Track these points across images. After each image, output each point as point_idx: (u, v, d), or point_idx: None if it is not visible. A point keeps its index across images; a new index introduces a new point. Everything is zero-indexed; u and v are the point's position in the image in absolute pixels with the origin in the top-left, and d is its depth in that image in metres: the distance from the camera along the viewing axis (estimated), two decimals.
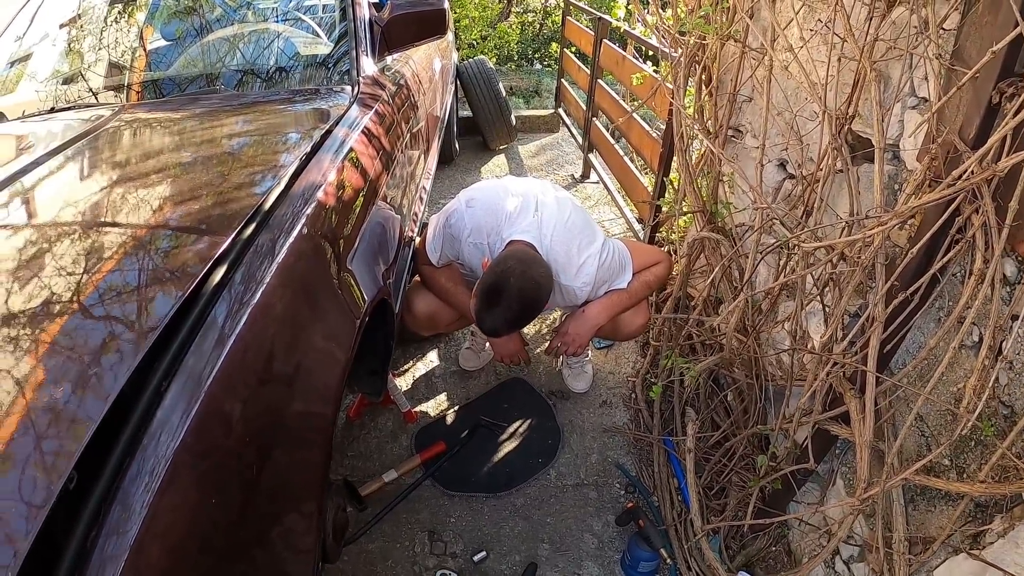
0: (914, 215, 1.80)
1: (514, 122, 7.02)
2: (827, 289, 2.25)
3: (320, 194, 1.90)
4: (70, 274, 1.53)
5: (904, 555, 1.96)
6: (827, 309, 2.25)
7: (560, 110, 7.78)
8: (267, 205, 1.73)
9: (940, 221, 1.62)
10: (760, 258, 2.61)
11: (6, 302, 1.44)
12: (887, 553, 2.01)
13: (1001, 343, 1.62)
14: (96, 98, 3.00)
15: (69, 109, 2.92)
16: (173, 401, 1.21)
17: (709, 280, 3.18)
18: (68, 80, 3.15)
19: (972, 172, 1.49)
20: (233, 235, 1.57)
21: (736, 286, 2.94)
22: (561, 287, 2.75)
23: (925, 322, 1.91)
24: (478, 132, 7.06)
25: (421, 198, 3.14)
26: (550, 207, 2.78)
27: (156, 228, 1.72)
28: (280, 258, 1.62)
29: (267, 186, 1.82)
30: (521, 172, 6.40)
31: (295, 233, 1.72)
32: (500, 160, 6.74)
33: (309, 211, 1.82)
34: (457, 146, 7.01)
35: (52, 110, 2.94)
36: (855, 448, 1.96)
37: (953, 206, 1.61)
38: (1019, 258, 1.58)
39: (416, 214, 2.81)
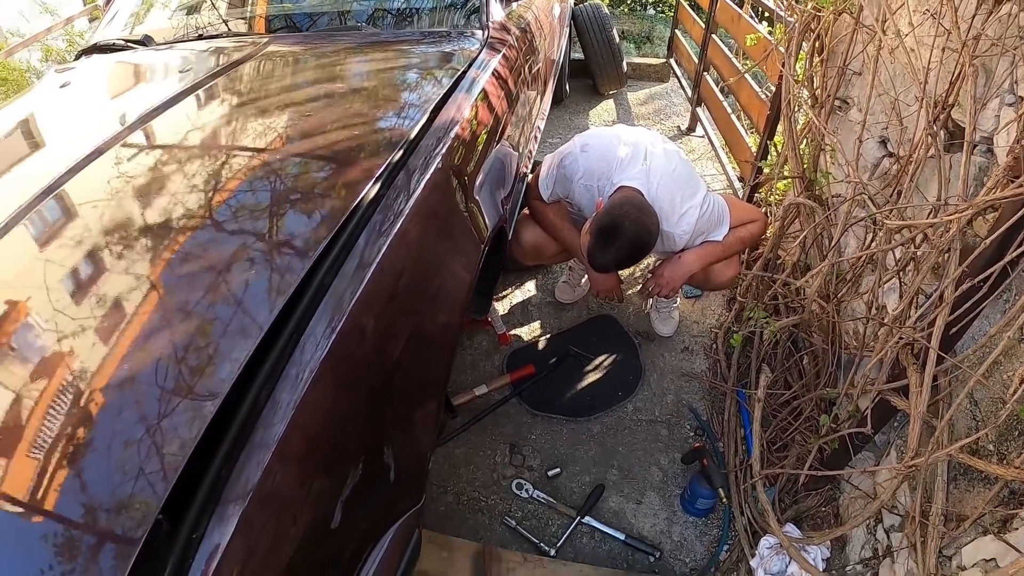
0: (993, 208, 1.83)
1: (625, 68, 6.99)
2: (907, 268, 2.29)
3: (456, 129, 2.07)
4: (242, 191, 1.76)
5: (938, 527, 2.02)
6: (904, 286, 2.29)
7: (671, 60, 7.66)
8: (412, 136, 1.91)
9: (1015, 218, 1.65)
10: (846, 229, 2.64)
11: (179, 217, 1.64)
12: (923, 524, 2.07)
13: None
14: (230, 28, 3.18)
15: (216, 38, 3.08)
16: (319, 316, 1.41)
17: (799, 240, 3.23)
18: (199, 9, 3.31)
19: None
20: (387, 161, 1.78)
21: (824, 254, 2.97)
22: (662, 233, 2.84)
23: (993, 312, 1.94)
24: (589, 75, 7.04)
25: (536, 137, 3.25)
26: (658, 157, 2.87)
27: (321, 152, 1.93)
28: (422, 185, 1.80)
29: (413, 119, 2.01)
30: (628, 119, 6.38)
31: (435, 163, 1.89)
32: (608, 105, 6.71)
33: (447, 144, 1.98)
34: (568, 88, 7.01)
35: (199, 38, 3.11)
36: (910, 421, 2.02)
37: None
38: None
39: (531, 152, 2.93)
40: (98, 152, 1.93)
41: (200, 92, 2.30)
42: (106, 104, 2.50)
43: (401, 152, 1.84)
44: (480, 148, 2.27)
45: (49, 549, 1.09)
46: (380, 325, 1.56)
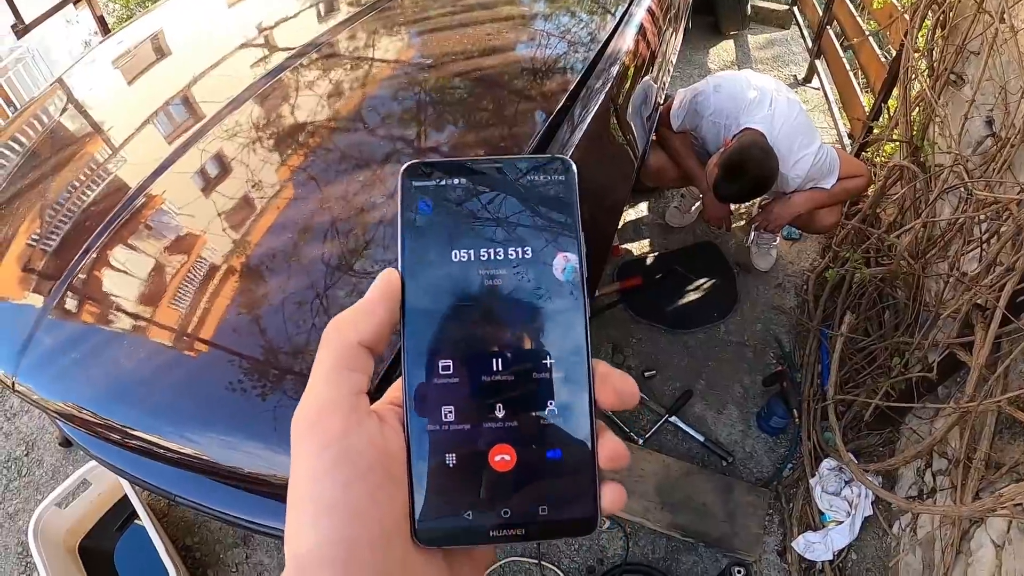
0: None
1: (749, 11, 6.79)
2: (990, 240, 2.47)
3: (622, 57, 2.33)
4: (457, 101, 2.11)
5: (980, 470, 2.27)
6: (984, 254, 2.47)
7: (795, 8, 7.20)
8: (591, 57, 2.24)
9: None
10: (940, 194, 2.80)
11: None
12: (967, 466, 2.32)
13: None
14: None
15: None
16: None
17: (897, 200, 3.39)
18: None
19: None
20: (576, 79, 2.12)
21: (918, 215, 3.08)
22: (778, 174, 3.09)
23: None
24: (712, 13, 6.74)
25: (669, 69, 3.41)
26: (782, 104, 3.10)
27: (532, 63, 2.31)
28: (599, 101, 2.10)
29: (595, 44, 2.33)
30: (747, 62, 6.32)
31: (609, 83, 2.18)
32: (728, 46, 6.64)
33: (615, 69, 2.25)
34: (690, 24, 6.79)
35: None
36: (971, 372, 2.25)
37: None
38: None
39: (664, 83, 3.10)
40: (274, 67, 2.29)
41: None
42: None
43: (583, 71, 2.18)
44: (635, 76, 2.52)
45: None
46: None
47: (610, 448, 0.48)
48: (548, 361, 0.47)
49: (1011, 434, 2.30)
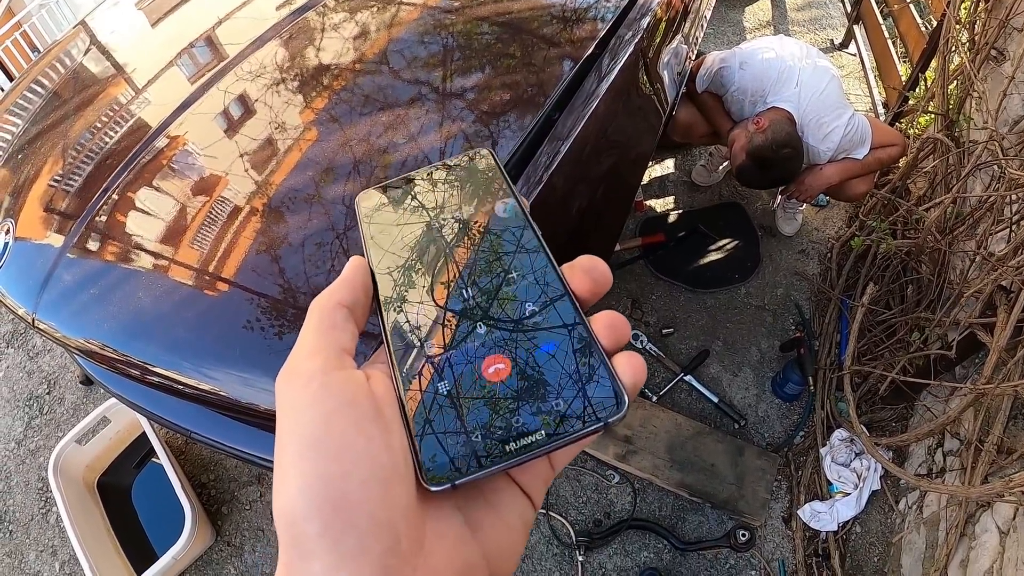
0: None
1: None
2: (1021, 221, 2.42)
3: (654, 8, 2.28)
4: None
5: (991, 454, 2.25)
6: (1012, 234, 2.42)
7: None
8: (622, 6, 2.19)
9: None
10: (972, 170, 2.72)
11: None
12: (978, 448, 2.31)
13: None
14: None
15: None
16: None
17: (928, 173, 3.31)
18: None
19: None
20: (606, 28, 2.09)
21: (949, 190, 3.01)
22: (808, 147, 3.07)
23: None
24: None
25: (702, 25, 3.36)
26: (809, 76, 3.05)
27: (548, 15, 2.24)
28: (628, 52, 2.08)
29: None
30: (783, 24, 6.10)
31: (640, 35, 2.15)
32: (765, 5, 6.39)
33: (645, 22, 2.20)
34: None
35: None
36: (990, 354, 2.22)
37: None
38: None
39: (697, 39, 3.06)
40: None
41: None
42: None
43: (612, 22, 2.14)
44: (665, 30, 2.48)
45: None
46: (579, 177, 1.91)
47: (604, 317, 0.46)
48: (512, 273, 0.49)
49: None
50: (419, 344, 0.47)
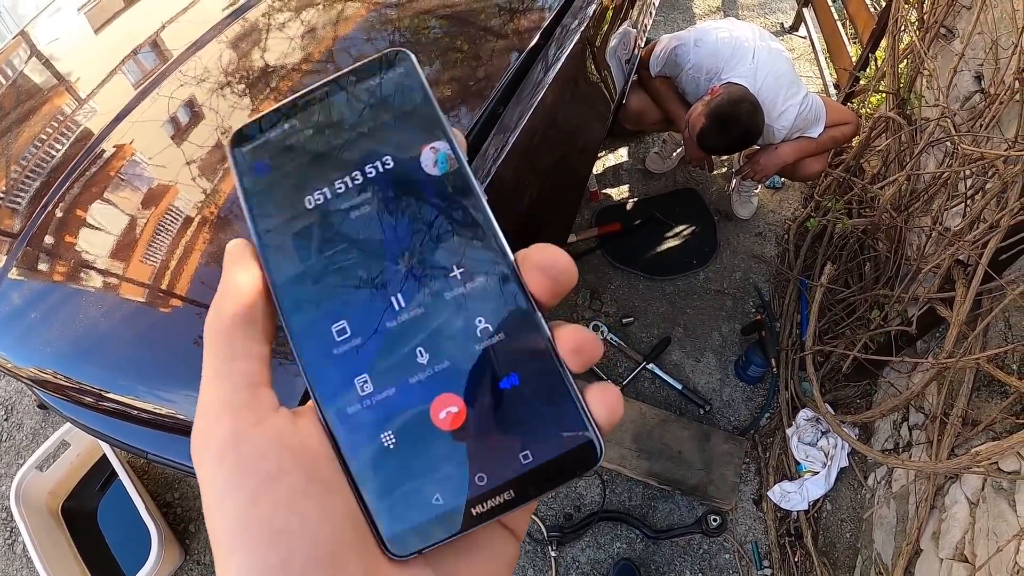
0: None
1: None
2: (975, 196, 2.41)
3: None
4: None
5: (956, 427, 2.24)
6: (967, 209, 2.41)
7: None
8: None
9: None
10: (925, 147, 2.72)
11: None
12: (943, 422, 2.30)
13: None
14: None
15: None
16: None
17: (882, 148, 3.33)
18: None
19: None
20: (550, 18, 2.03)
21: (903, 168, 3.01)
22: (764, 128, 3.03)
23: None
24: None
25: (651, 13, 3.33)
26: (764, 55, 3.02)
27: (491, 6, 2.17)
28: (574, 40, 2.04)
29: None
30: (733, 8, 6.10)
31: (585, 23, 2.10)
32: None
33: (591, 10, 2.16)
34: None
35: None
36: (950, 328, 2.21)
37: None
38: None
39: (645, 26, 3.04)
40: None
41: None
42: None
43: (556, 11, 2.08)
44: (611, 17, 2.44)
45: None
46: (528, 168, 1.89)
47: (570, 338, 0.38)
48: (456, 272, 0.39)
49: (988, 392, 2.29)
50: (346, 375, 0.38)
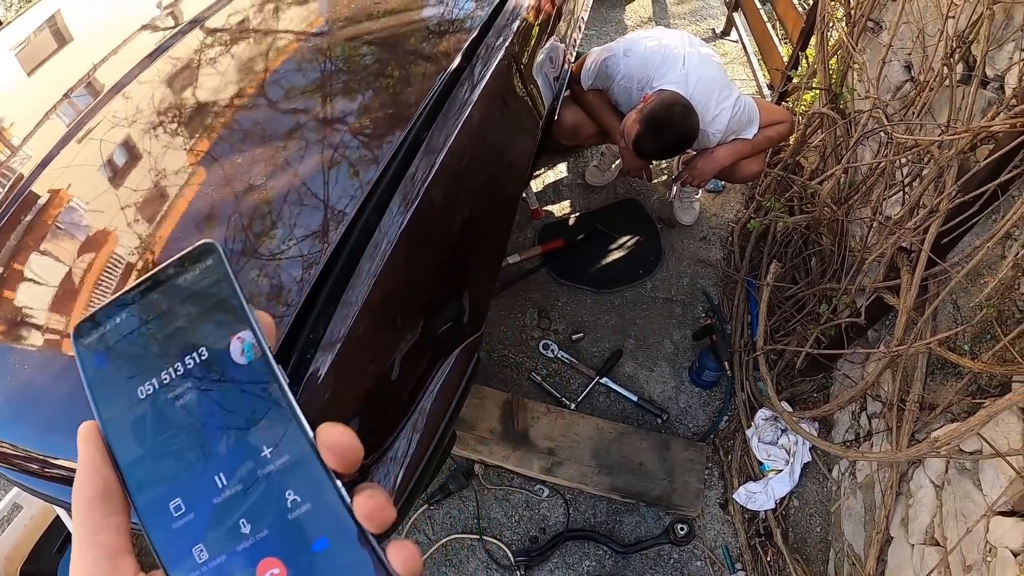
0: (992, 137, 1.98)
1: None
2: (912, 183, 2.42)
3: (522, 13, 2.22)
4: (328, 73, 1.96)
5: (914, 412, 2.24)
6: (906, 197, 2.42)
7: None
8: (487, 16, 2.12)
9: (1008, 148, 1.80)
10: (859, 139, 2.75)
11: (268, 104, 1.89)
12: (900, 409, 2.29)
13: None
14: None
15: None
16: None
17: (818, 147, 3.34)
18: None
19: None
20: (469, 39, 2.00)
21: (840, 162, 3.03)
22: (699, 131, 3.01)
23: (983, 230, 2.07)
24: None
25: (580, 27, 3.33)
26: (694, 61, 3.02)
27: (411, 30, 2.16)
28: (498, 58, 2.01)
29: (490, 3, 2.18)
30: (664, 17, 6.17)
31: (506, 43, 2.07)
32: (645, 1, 6.45)
33: (515, 26, 2.14)
34: None
35: None
36: (899, 315, 2.20)
37: (1022, 138, 1.77)
38: None
39: (575, 40, 3.04)
40: (174, 38, 2.11)
41: None
42: None
43: (479, 31, 2.06)
44: (539, 34, 2.43)
45: None
46: (457, 191, 1.84)
47: (365, 506, 0.43)
48: (266, 451, 0.45)
49: (943, 375, 2.27)
50: (184, 548, 0.43)
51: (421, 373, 1.77)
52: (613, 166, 4.12)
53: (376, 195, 1.60)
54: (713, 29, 6.01)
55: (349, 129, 1.81)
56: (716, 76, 3.05)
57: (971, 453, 1.97)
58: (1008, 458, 1.76)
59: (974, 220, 2.01)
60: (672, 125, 2.84)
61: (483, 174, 1.98)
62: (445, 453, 2.23)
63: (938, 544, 2.10)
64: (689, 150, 3.24)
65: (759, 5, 4.92)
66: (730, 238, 3.87)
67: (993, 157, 1.86)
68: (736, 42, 5.63)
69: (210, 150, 1.78)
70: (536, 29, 2.38)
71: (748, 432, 2.99)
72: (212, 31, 2.15)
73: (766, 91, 4.80)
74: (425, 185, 1.66)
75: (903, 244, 2.28)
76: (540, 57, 2.43)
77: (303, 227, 1.57)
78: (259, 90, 1.94)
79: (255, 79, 1.97)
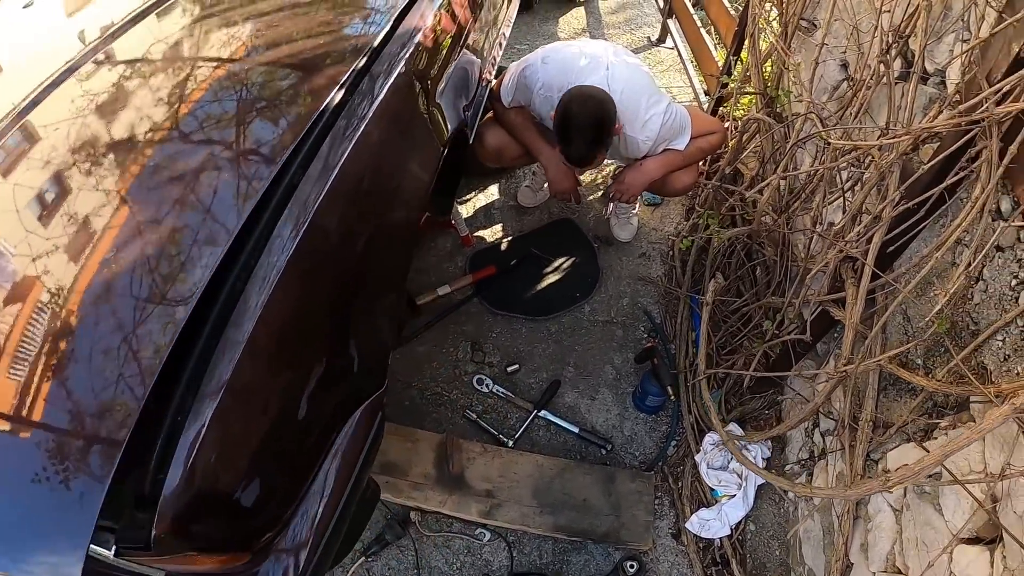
0: (936, 137, 1.87)
1: None
2: (853, 188, 2.32)
3: (419, 36, 2.10)
4: (209, 102, 1.83)
5: (867, 432, 2.12)
6: (847, 204, 2.31)
7: None
8: (376, 43, 1.97)
9: (952, 148, 1.68)
10: (795, 144, 2.66)
11: (147, 131, 1.71)
12: (853, 428, 2.17)
13: (983, 268, 1.72)
14: None
15: None
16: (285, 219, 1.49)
17: (756, 154, 3.25)
18: None
19: (984, 107, 1.55)
20: (352, 67, 1.85)
21: (778, 169, 2.96)
22: (626, 138, 2.91)
23: (931, 236, 1.98)
24: None
25: (500, 43, 3.23)
26: (620, 67, 2.88)
27: (287, 60, 2.00)
28: (384, 91, 1.86)
29: (378, 25, 2.05)
30: (599, 28, 6.21)
31: (398, 69, 1.94)
32: (579, 13, 6.47)
33: (410, 51, 2.02)
34: None
35: None
36: (846, 331, 2.08)
37: (967, 137, 1.65)
38: (1015, 199, 1.64)
39: (495, 57, 2.93)
40: (65, 72, 1.89)
41: (165, 7, 2.25)
42: (70, 23, 2.36)
43: (365, 59, 1.90)
44: (443, 54, 2.32)
45: (41, 456, 1.12)
46: (343, 225, 1.67)
47: None
48: None
49: (896, 390, 2.15)
50: None
51: (319, 435, 1.60)
52: (546, 186, 3.95)
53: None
54: (648, 37, 6.04)
55: (226, 148, 1.67)
56: (644, 83, 2.92)
57: (929, 477, 1.84)
58: (968, 486, 1.63)
59: (920, 226, 1.90)
60: (585, 107, 2.67)
61: (380, 197, 1.85)
62: (370, 507, 2.07)
63: (900, 573, 1.98)
64: (619, 163, 3.09)
65: (692, 11, 4.96)
66: (671, 252, 3.77)
67: (938, 159, 1.74)
68: (672, 49, 5.66)
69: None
70: (443, 48, 2.29)
71: (697, 458, 2.85)
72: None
73: (703, 97, 4.75)
74: (309, 217, 1.51)
75: (850, 253, 2.15)
76: (445, 80, 2.31)
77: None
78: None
79: (143, 118, 1.77)
